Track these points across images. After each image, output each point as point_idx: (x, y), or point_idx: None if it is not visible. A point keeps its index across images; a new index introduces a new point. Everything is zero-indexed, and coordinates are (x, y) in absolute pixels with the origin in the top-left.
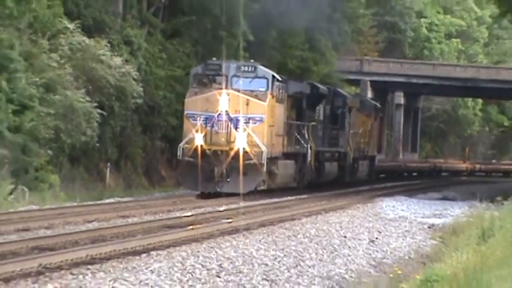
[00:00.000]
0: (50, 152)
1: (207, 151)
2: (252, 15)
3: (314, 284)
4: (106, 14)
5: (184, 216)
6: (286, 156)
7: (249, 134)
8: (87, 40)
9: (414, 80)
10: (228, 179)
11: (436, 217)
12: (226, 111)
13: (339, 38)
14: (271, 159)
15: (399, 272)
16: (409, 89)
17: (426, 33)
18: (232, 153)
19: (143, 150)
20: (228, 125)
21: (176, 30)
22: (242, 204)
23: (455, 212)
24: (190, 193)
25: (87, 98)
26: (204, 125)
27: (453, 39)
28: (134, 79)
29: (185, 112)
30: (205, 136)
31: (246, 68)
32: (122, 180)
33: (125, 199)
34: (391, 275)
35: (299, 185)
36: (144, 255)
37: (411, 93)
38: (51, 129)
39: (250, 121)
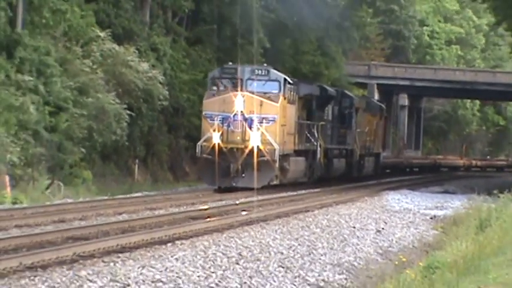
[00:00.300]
0: (83, 150)
1: (224, 149)
2: (268, 24)
3: (325, 271)
4: (134, 23)
5: (204, 209)
6: (297, 153)
7: (262, 133)
8: (117, 47)
9: (417, 83)
10: (243, 175)
11: (438, 209)
12: (242, 111)
13: (348, 44)
14: (283, 156)
15: (404, 259)
16: (413, 91)
17: (428, 40)
18: (247, 150)
19: (168, 148)
20: (243, 125)
21: (198, 37)
22: (259, 197)
23: (455, 204)
24: (211, 187)
25: (117, 100)
26: (221, 125)
27: (453, 46)
28: (160, 83)
29: (203, 112)
30: (222, 135)
31: (260, 72)
32: (149, 176)
33: (152, 193)
34: (396, 263)
35: (309, 180)
36: (169, 244)
37: (414, 95)
38: (84, 129)
39: (264, 121)
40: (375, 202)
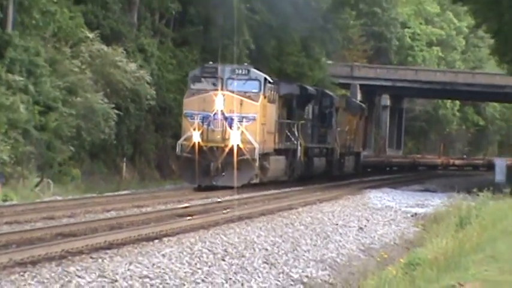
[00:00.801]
0: (72, 148)
1: (204, 147)
2: (253, 25)
3: (309, 267)
4: (122, 24)
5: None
6: (278, 152)
7: (242, 131)
8: (105, 48)
9: (399, 84)
10: (223, 173)
11: (419, 207)
12: (222, 110)
13: (332, 46)
14: (263, 155)
15: (385, 256)
16: (395, 91)
17: (410, 42)
18: (227, 149)
19: (156, 146)
20: (223, 124)
21: (185, 39)
22: (244, 195)
23: (435, 202)
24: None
25: (105, 100)
26: (201, 124)
27: (434, 47)
28: (147, 83)
29: (184, 111)
30: (202, 134)
31: (240, 71)
32: (136, 174)
33: (139, 191)
34: (378, 259)
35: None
36: (156, 241)
37: (396, 95)
38: (73, 128)
39: (244, 120)
40: (358, 200)
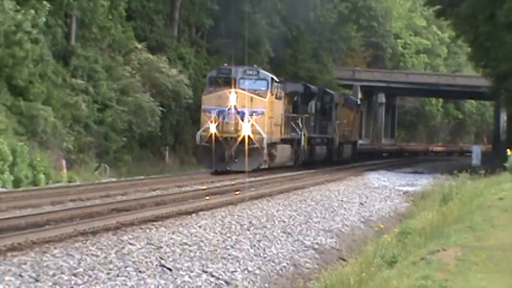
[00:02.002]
0: (124, 139)
1: (219, 138)
2: (273, 37)
3: (319, 236)
4: (165, 37)
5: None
6: (284, 141)
7: (252, 124)
8: (151, 56)
9: (392, 85)
10: (236, 160)
11: (409, 186)
12: (235, 106)
13: (337, 54)
14: (271, 144)
15: (382, 226)
16: (389, 91)
17: (401, 50)
18: (239, 139)
19: (193, 137)
20: (236, 117)
21: (217, 48)
22: (266, 177)
23: (423, 182)
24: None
25: (152, 99)
26: (217, 117)
27: (421, 55)
28: (186, 85)
29: (202, 107)
30: (218, 126)
31: (251, 72)
32: (177, 160)
33: (179, 173)
34: (376, 229)
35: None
36: (193, 214)
37: (390, 94)
38: (125, 122)
39: (254, 114)
40: (359, 180)
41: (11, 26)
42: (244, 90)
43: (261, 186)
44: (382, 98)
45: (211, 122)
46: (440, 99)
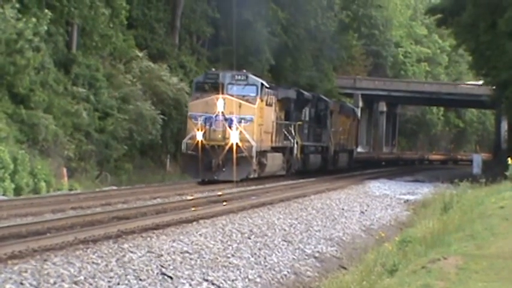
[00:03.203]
0: (125, 147)
1: (206, 146)
2: (273, 46)
3: (320, 244)
4: (166, 45)
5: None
6: (275, 149)
7: (241, 131)
8: (152, 64)
9: (393, 93)
10: (224, 169)
11: (410, 194)
12: (222, 112)
13: (338, 62)
14: (261, 152)
15: (383, 234)
16: (390, 100)
17: (402, 58)
18: (227, 147)
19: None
20: (223, 124)
21: (217, 57)
22: (267, 185)
23: (424, 190)
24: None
25: (153, 107)
26: (204, 124)
27: (422, 63)
28: (187, 93)
29: (188, 113)
30: (204, 133)
31: (239, 77)
32: (178, 168)
33: (180, 182)
34: (376, 237)
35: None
36: (194, 222)
37: (391, 103)
38: (126, 130)
39: (242, 121)
40: (360, 189)
41: (12, 34)
42: (232, 96)
43: (261, 194)
44: (383, 106)
45: (198, 129)
46: (441, 108)
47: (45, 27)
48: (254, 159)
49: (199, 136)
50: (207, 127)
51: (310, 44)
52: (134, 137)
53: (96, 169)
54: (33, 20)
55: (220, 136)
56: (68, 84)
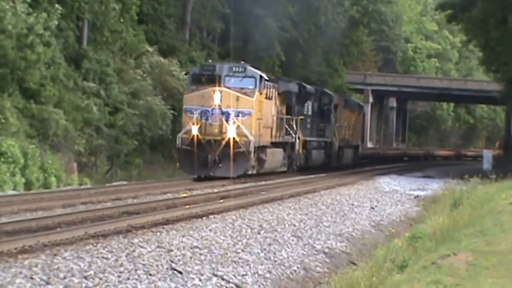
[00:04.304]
0: (135, 142)
1: (202, 140)
2: (284, 41)
3: (330, 240)
4: (176, 40)
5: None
6: (275, 145)
7: (238, 125)
8: (162, 60)
9: (403, 89)
10: (220, 165)
11: (420, 190)
12: (219, 105)
13: (348, 58)
14: (260, 148)
15: (393, 230)
16: (400, 95)
17: (412, 54)
18: (223, 142)
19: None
20: (220, 118)
21: (228, 52)
22: (277, 181)
23: (434, 186)
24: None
25: (163, 102)
26: (200, 118)
27: (432, 59)
28: None
29: (183, 107)
30: (200, 127)
31: (237, 69)
32: None
33: (191, 176)
34: (386, 233)
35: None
36: (204, 218)
37: (401, 98)
38: (136, 125)
39: (240, 115)
40: (370, 185)
41: (23, 29)
42: (229, 88)
43: (272, 189)
44: (393, 102)
45: (193, 123)
46: (451, 104)
47: (56, 22)
48: (252, 155)
49: (194, 130)
50: (203, 121)
51: (320, 40)
52: (144, 132)
53: (106, 164)
54: (44, 14)
55: (216, 130)
56: (79, 79)
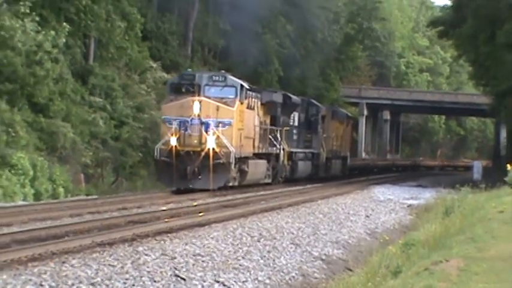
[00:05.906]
0: (140, 154)
1: (181, 152)
2: (282, 57)
3: (326, 247)
4: (179, 56)
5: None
6: (258, 156)
7: (218, 136)
8: (165, 75)
9: (397, 102)
10: (200, 177)
11: (413, 199)
12: (199, 115)
13: (344, 72)
14: (241, 159)
15: (387, 238)
16: (393, 108)
17: (405, 69)
18: (203, 153)
19: None
20: (199, 129)
21: (228, 67)
22: (275, 190)
23: (426, 195)
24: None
25: None
26: (178, 128)
27: (424, 73)
28: None
29: (162, 117)
30: (179, 138)
31: (217, 78)
32: None
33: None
34: (381, 240)
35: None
36: (206, 226)
37: (395, 111)
38: (141, 138)
39: (220, 125)
40: (365, 194)
41: (32, 46)
42: (209, 98)
43: (272, 199)
44: (387, 114)
45: (172, 134)
46: (443, 116)
47: (64, 40)
48: (233, 166)
49: (173, 141)
50: (182, 131)
51: (317, 56)
52: (149, 145)
53: (112, 175)
54: (52, 32)
55: (196, 141)
56: (85, 94)
